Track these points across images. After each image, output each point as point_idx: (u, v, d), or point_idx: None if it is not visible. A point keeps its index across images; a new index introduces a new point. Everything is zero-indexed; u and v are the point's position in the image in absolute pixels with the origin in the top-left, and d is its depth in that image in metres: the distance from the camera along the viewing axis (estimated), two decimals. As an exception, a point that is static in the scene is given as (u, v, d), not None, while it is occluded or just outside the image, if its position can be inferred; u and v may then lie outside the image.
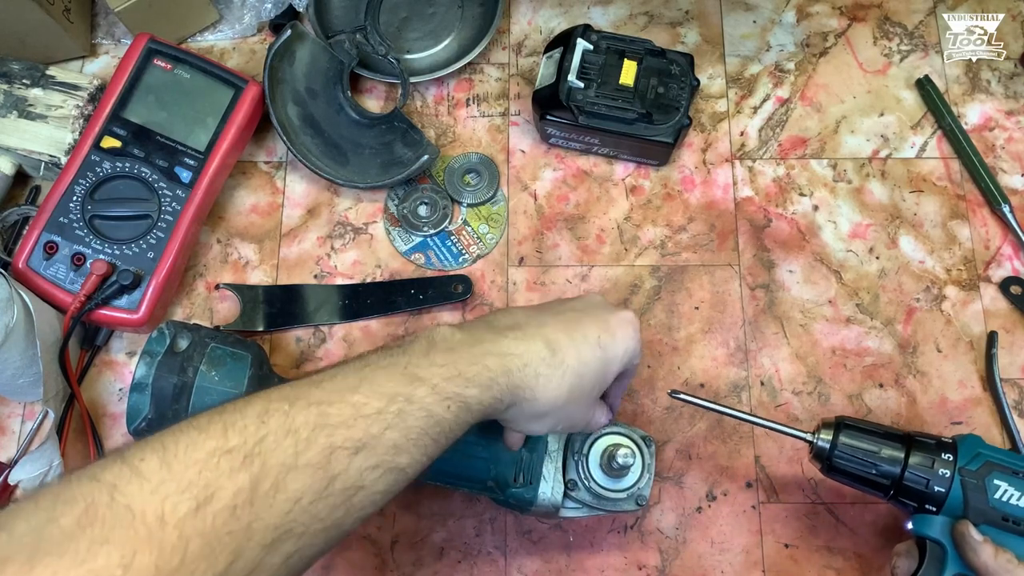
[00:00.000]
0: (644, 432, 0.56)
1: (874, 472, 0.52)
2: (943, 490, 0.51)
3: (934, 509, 0.52)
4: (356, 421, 0.38)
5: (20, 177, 0.70)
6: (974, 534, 0.49)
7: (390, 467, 0.39)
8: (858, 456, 0.53)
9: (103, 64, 0.76)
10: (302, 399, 0.38)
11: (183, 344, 0.56)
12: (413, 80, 0.73)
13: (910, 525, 0.53)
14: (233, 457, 0.35)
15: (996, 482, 0.51)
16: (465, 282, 0.68)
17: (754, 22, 0.76)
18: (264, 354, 0.60)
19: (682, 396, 0.55)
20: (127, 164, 0.65)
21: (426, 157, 0.69)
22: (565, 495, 0.55)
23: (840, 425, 0.54)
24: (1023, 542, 0.50)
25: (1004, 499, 0.50)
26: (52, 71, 0.69)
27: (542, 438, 0.56)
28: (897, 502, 0.53)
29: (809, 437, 0.54)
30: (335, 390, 0.39)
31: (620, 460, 0.53)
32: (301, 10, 0.76)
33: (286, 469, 0.36)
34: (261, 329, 0.68)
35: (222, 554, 0.33)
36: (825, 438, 0.53)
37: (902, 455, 0.52)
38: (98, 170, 0.65)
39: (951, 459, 0.51)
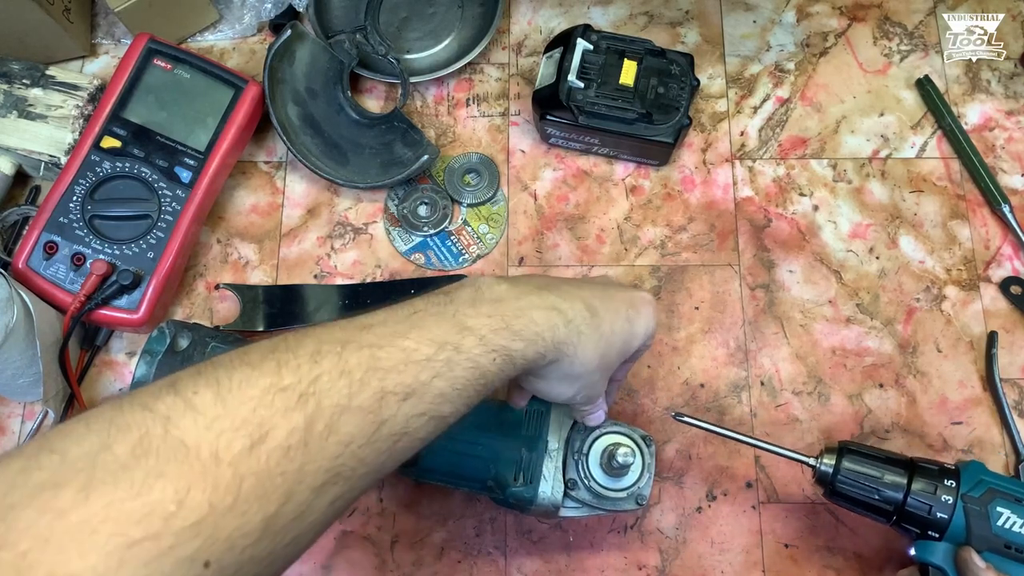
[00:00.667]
0: (644, 432, 0.56)
1: (876, 497, 0.52)
2: (946, 516, 0.51)
3: (936, 535, 0.52)
4: (407, 367, 0.38)
5: (20, 177, 0.70)
6: (977, 561, 0.49)
7: (435, 415, 0.39)
8: (861, 481, 0.53)
9: (103, 64, 0.76)
10: (354, 341, 0.37)
11: (183, 344, 0.56)
12: (413, 80, 0.73)
13: (912, 551, 0.53)
14: (288, 395, 0.34)
15: (999, 509, 0.51)
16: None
17: (754, 22, 0.77)
18: None
19: (687, 420, 0.55)
20: (127, 164, 0.65)
21: (426, 157, 0.69)
22: (565, 494, 0.55)
23: (843, 450, 0.54)
24: None
25: (1007, 527, 0.50)
26: (52, 71, 0.69)
27: (542, 437, 0.56)
28: (899, 527, 0.53)
29: (812, 462, 0.54)
30: (385, 334, 0.39)
31: (620, 459, 0.53)
32: (301, 10, 0.76)
33: (340, 411, 0.35)
34: (261, 329, 0.68)
35: (274, 495, 0.32)
36: (828, 463, 0.54)
37: (905, 481, 0.52)
38: (98, 170, 0.65)
39: (954, 486, 0.51)
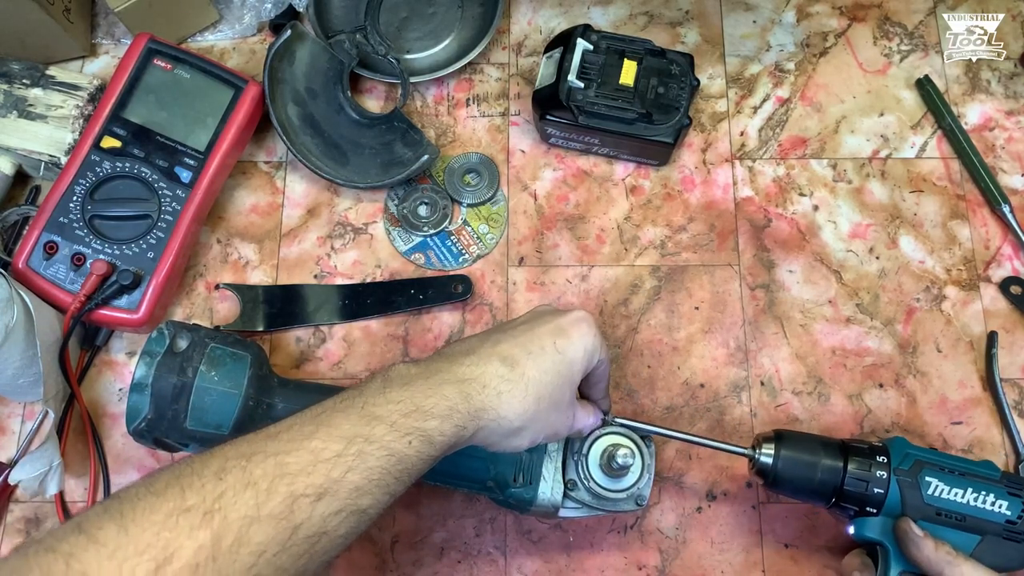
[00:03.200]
0: None
1: (816, 481, 0.53)
2: (882, 491, 0.53)
3: (874, 511, 0.53)
4: (316, 467, 0.38)
5: (20, 177, 0.70)
6: (915, 529, 0.51)
7: (353, 510, 0.39)
8: (800, 468, 0.54)
9: (103, 64, 0.76)
10: (259, 452, 0.38)
11: (183, 344, 0.56)
12: (413, 80, 0.73)
13: (851, 530, 0.54)
14: (192, 515, 0.34)
15: (928, 479, 0.53)
16: (465, 282, 0.68)
17: (754, 22, 0.77)
18: (264, 354, 0.60)
19: (618, 420, 0.55)
20: (127, 164, 0.65)
21: (426, 157, 0.69)
22: (565, 495, 0.55)
23: (780, 438, 0.54)
24: (958, 534, 0.52)
25: (937, 494, 0.52)
26: (52, 71, 0.69)
27: None
28: (838, 508, 0.54)
29: (750, 453, 0.55)
30: (292, 439, 0.39)
31: (620, 460, 0.53)
32: (301, 10, 0.76)
33: (248, 521, 0.35)
34: (261, 329, 0.68)
35: None
36: (768, 452, 0.54)
37: (841, 462, 0.53)
38: (98, 170, 0.65)
39: (885, 461, 0.53)
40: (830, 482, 0.53)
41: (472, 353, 0.46)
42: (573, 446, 0.56)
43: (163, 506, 0.35)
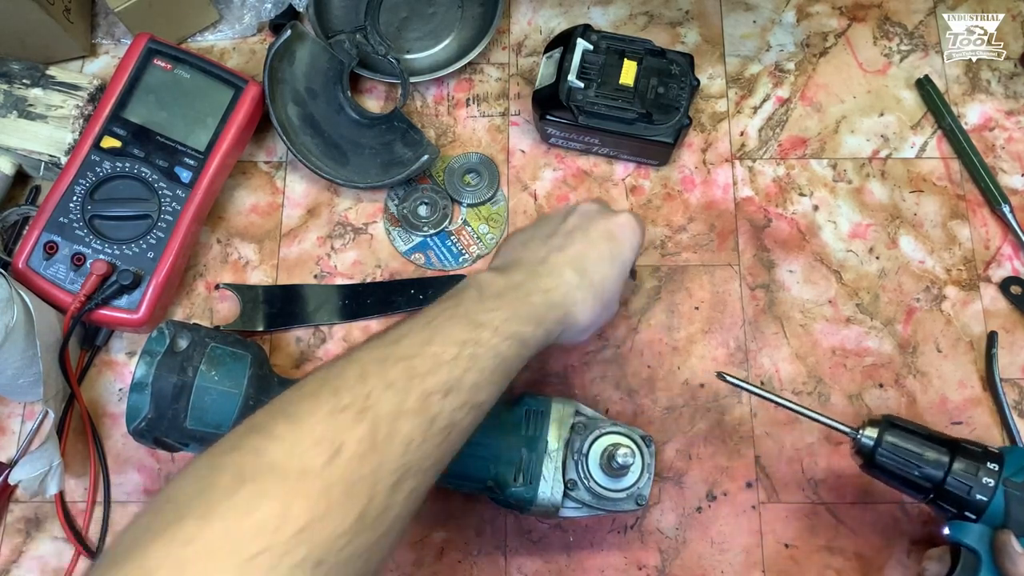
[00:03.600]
0: (644, 432, 0.56)
1: (916, 473, 0.52)
2: (985, 499, 0.51)
3: (973, 517, 0.52)
4: (440, 368, 0.43)
5: (20, 177, 0.70)
6: (1016, 546, 0.50)
7: (473, 404, 0.44)
8: (901, 456, 0.53)
9: (103, 64, 0.76)
10: (390, 356, 0.43)
11: (183, 344, 0.56)
12: (413, 80, 0.73)
13: (947, 530, 0.53)
14: (348, 413, 0.39)
15: None
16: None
17: (754, 22, 0.77)
18: (264, 354, 0.60)
19: (728, 378, 0.56)
20: (127, 164, 0.65)
21: (426, 157, 0.69)
22: (565, 495, 0.55)
23: (886, 423, 0.54)
24: None
25: None
26: (52, 71, 0.69)
27: (542, 437, 0.56)
28: (935, 505, 0.53)
29: (852, 432, 0.55)
30: (413, 344, 0.44)
31: (620, 460, 0.53)
32: (301, 10, 0.76)
33: (394, 416, 0.40)
34: (261, 329, 0.68)
35: (359, 497, 0.37)
36: (870, 435, 0.54)
37: (947, 459, 0.52)
38: (98, 170, 0.65)
39: (996, 469, 0.51)
40: (931, 477, 0.52)
41: (545, 263, 0.52)
42: (573, 446, 0.56)
43: (323, 406, 0.39)
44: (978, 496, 0.51)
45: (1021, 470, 0.51)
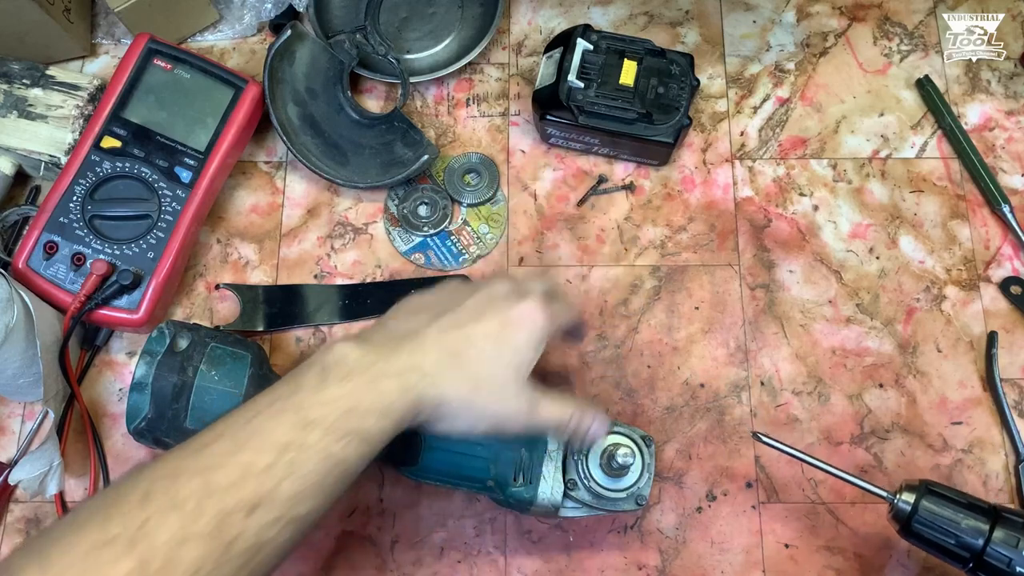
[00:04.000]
0: (644, 432, 0.56)
1: (954, 543, 0.51)
2: None
3: None
4: (246, 481, 0.38)
5: (20, 177, 0.70)
6: None
7: (291, 518, 0.39)
8: (939, 524, 0.51)
9: (103, 64, 0.76)
10: (186, 471, 0.38)
11: (183, 344, 0.56)
12: (413, 80, 0.73)
13: None
14: (115, 546, 0.34)
15: None
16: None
17: (754, 22, 0.77)
18: (264, 354, 0.60)
19: (764, 439, 0.55)
20: (127, 164, 0.65)
21: (426, 157, 0.69)
22: (565, 495, 0.55)
23: (924, 489, 0.53)
24: None
25: None
26: (52, 71, 0.69)
27: (542, 437, 0.56)
28: (974, 575, 0.52)
29: (890, 496, 0.54)
30: (221, 452, 0.39)
31: (620, 460, 0.53)
32: (301, 10, 0.76)
33: (177, 543, 0.35)
34: (261, 329, 0.68)
35: None
36: (907, 500, 0.52)
37: (987, 528, 0.50)
38: (98, 170, 0.65)
39: None
40: (969, 546, 0.50)
41: (415, 337, 0.46)
42: (573, 445, 0.56)
43: (84, 540, 0.34)
44: (1019, 570, 0.49)
45: None
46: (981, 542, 0.50)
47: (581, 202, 0.70)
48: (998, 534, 0.50)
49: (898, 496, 0.53)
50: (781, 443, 0.54)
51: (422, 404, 0.44)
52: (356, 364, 0.43)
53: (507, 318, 0.48)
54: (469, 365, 0.46)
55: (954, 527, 0.51)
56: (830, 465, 0.55)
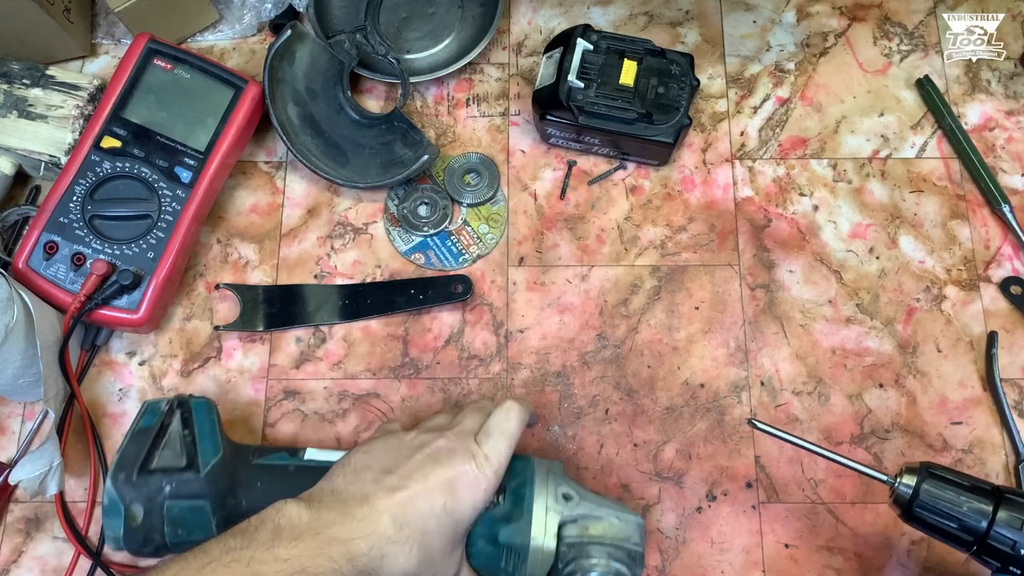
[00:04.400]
0: (634, 544, 0.52)
1: (956, 526, 0.50)
2: None
3: (1019, 572, 0.49)
4: None
5: (20, 177, 0.70)
6: None
7: None
8: (941, 507, 0.50)
9: (103, 64, 0.76)
10: None
11: (137, 513, 0.52)
12: (413, 80, 0.73)
13: None
14: None
15: None
16: (465, 282, 0.68)
17: (754, 22, 0.77)
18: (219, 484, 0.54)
19: (760, 426, 0.54)
20: (127, 164, 0.65)
21: (426, 157, 0.69)
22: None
23: (925, 471, 0.51)
24: None
25: None
26: (52, 71, 0.69)
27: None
28: (979, 559, 0.51)
29: (890, 480, 0.53)
30: None
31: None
32: (301, 10, 0.76)
33: None
34: (261, 329, 0.68)
35: None
36: (908, 483, 0.51)
37: (990, 510, 0.49)
38: (98, 170, 0.65)
39: None
40: (972, 529, 0.49)
41: (365, 503, 0.47)
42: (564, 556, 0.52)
43: None
44: (1023, 552, 0.48)
45: None
46: (985, 524, 0.49)
47: (563, 193, 0.70)
48: (1002, 515, 0.49)
49: (899, 480, 0.52)
50: (776, 428, 0.54)
51: (368, 572, 0.46)
52: (307, 527, 0.45)
53: (451, 485, 0.49)
54: (412, 539, 0.47)
55: (957, 510, 0.50)
56: (826, 449, 0.54)
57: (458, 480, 0.49)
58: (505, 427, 0.52)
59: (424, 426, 0.54)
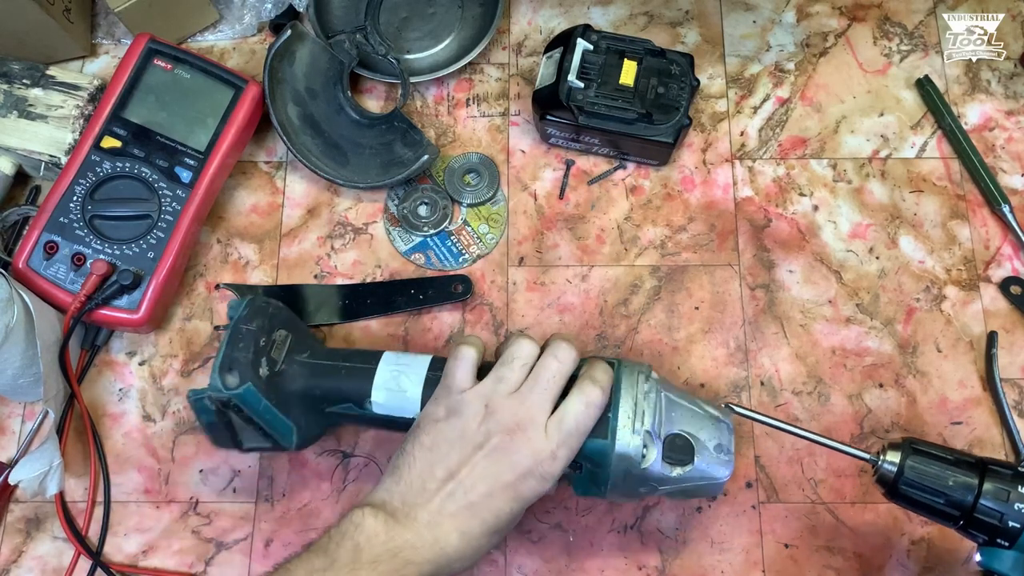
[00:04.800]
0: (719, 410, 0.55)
1: (943, 502, 0.49)
2: (1018, 526, 0.47)
3: (1006, 544, 0.48)
4: None
5: (20, 177, 0.70)
6: None
7: None
8: (927, 483, 0.49)
9: (103, 64, 0.76)
10: None
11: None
12: (413, 80, 0.73)
13: (978, 557, 0.50)
14: None
15: None
16: (465, 282, 0.68)
17: (754, 22, 0.77)
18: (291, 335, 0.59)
19: (737, 410, 0.53)
20: (127, 164, 0.65)
21: (426, 157, 0.69)
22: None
23: (908, 448, 0.50)
24: None
25: None
26: (52, 71, 0.69)
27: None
28: (966, 532, 0.50)
29: (873, 459, 0.52)
30: None
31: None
32: (301, 10, 0.76)
33: None
34: (261, 329, 0.68)
35: None
36: (891, 461, 0.50)
37: (975, 483, 0.48)
38: (98, 170, 0.65)
39: None
40: (959, 503, 0.48)
41: (434, 525, 0.49)
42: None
43: None
44: (1011, 523, 0.47)
45: None
46: (971, 498, 0.48)
47: (562, 193, 0.71)
48: (988, 487, 0.48)
49: (882, 457, 0.51)
50: (754, 411, 0.53)
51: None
52: (383, 548, 0.47)
53: (514, 488, 0.50)
54: (483, 544, 0.50)
55: (943, 485, 0.49)
56: (805, 430, 0.52)
57: (523, 484, 0.50)
58: (582, 420, 0.51)
59: (497, 392, 0.52)
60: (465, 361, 0.53)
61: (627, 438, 0.52)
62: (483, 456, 0.50)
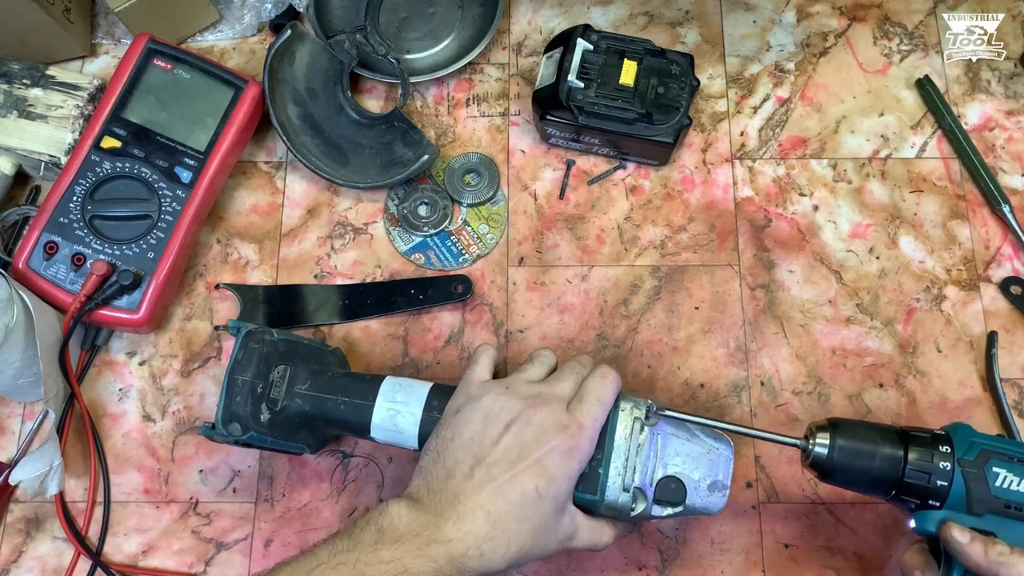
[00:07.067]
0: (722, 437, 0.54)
1: (875, 472, 0.50)
2: (946, 484, 0.49)
3: (937, 504, 0.49)
4: None
5: (20, 177, 0.70)
6: (957, 536, 0.48)
7: None
8: (857, 458, 0.50)
9: (103, 64, 0.76)
10: None
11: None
12: (413, 80, 0.73)
13: (912, 523, 0.51)
14: None
15: (995, 470, 0.49)
16: (465, 282, 0.68)
17: (754, 22, 0.77)
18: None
19: (666, 412, 0.53)
20: (127, 164, 0.65)
21: (426, 157, 0.69)
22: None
23: (835, 427, 0.51)
24: None
25: (1005, 486, 0.49)
26: (52, 71, 0.69)
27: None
28: (898, 501, 0.51)
29: (802, 443, 0.52)
30: None
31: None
32: (301, 10, 0.76)
33: None
34: (261, 329, 0.68)
35: None
36: (822, 442, 0.51)
37: (901, 452, 0.50)
38: (98, 170, 0.65)
39: (949, 451, 0.50)
40: (889, 473, 0.50)
41: (459, 503, 0.48)
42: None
43: None
44: (938, 482, 0.49)
45: (970, 447, 0.50)
46: (899, 467, 0.50)
47: (562, 193, 0.71)
48: (913, 454, 0.50)
49: (812, 441, 0.51)
50: (681, 412, 0.53)
51: (467, 569, 0.47)
52: (408, 527, 0.47)
53: (540, 466, 0.49)
54: (508, 531, 0.48)
55: (872, 460, 0.50)
56: (732, 423, 0.53)
57: (548, 458, 0.49)
58: (601, 392, 0.52)
59: (517, 379, 0.54)
60: (484, 357, 0.56)
61: (616, 495, 0.52)
62: (507, 439, 0.50)
